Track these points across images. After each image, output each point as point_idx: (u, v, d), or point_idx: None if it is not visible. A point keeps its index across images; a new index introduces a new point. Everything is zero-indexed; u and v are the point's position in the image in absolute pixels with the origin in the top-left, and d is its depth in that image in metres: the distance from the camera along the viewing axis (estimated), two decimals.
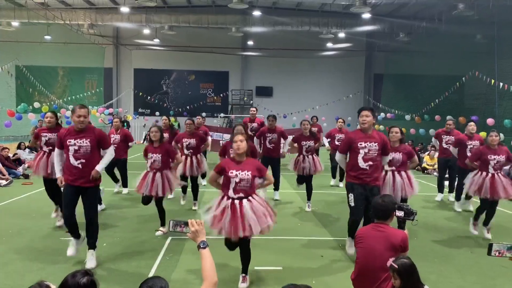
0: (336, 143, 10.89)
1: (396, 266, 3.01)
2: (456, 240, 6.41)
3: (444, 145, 9.11)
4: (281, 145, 8.93)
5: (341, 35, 23.11)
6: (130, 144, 9.25)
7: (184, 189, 8.23)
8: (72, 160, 4.87)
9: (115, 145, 8.74)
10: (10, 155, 12.44)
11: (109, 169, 8.82)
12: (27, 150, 14.05)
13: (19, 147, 14.05)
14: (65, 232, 6.33)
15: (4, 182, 10.40)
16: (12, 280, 4.52)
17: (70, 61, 25.86)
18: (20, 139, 16.55)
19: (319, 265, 5.23)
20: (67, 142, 4.87)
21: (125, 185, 9.38)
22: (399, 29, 21.77)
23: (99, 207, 7.33)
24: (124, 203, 8.52)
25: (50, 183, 6.59)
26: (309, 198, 8.28)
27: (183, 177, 7.64)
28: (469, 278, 4.80)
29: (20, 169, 11.82)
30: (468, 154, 7.68)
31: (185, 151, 7.78)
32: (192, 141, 7.86)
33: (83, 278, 2.26)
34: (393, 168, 5.99)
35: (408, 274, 2.99)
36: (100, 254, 5.42)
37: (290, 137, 11.84)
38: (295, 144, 8.27)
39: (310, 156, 8.11)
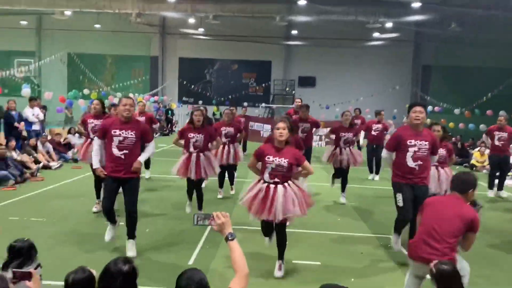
0: (373, 133, 10.69)
1: (434, 271, 2.80)
2: (507, 243, 6.10)
3: (496, 142, 8.69)
4: (313, 135, 8.86)
5: (389, 24, 22.36)
6: (154, 126, 9.57)
7: (221, 182, 8.24)
8: (115, 150, 4.91)
9: None
10: (61, 140, 13.01)
11: None
12: (76, 135, 14.64)
13: (69, 132, 14.66)
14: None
15: (55, 165, 10.90)
16: (60, 262, 4.73)
17: (118, 49, 26.60)
18: (70, 125, 17.26)
19: (358, 263, 5.14)
20: (112, 132, 4.92)
21: (147, 167, 9.65)
22: (451, 18, 20.78)
23: None
24: (164, 190, 8.70)
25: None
26: (343, 190, 8.20)
27: (221, 169, 7.70)
28: None
29: (70, 153, 12.34)
30: None
31: (223, 139, 7.85)
32: (231, 129, 7.98)
33: (125, 266, 2.33)
34: (436, 164, 5.85)
35: (445, 282, 2.78)
36: (141, 241, 5.56)
37: (324, 129, 11.70)
38: (332, 136, 8.14)
39: (347, 149, 7.95)
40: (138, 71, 27.49)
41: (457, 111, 18.81)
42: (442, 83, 23.36)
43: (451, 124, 18.89)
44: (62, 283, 2.60)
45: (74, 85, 24.16)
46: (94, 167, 5.12)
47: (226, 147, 7.85)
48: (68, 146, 13.01)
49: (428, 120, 19.38)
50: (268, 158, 4.44)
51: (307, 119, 8.65)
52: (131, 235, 5.17)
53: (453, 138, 16.78)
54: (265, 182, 4.47)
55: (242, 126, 13.14)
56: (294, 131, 5.48)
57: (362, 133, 11.13)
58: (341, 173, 8.15)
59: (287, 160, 4.42)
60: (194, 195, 6.61)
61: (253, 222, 5.37)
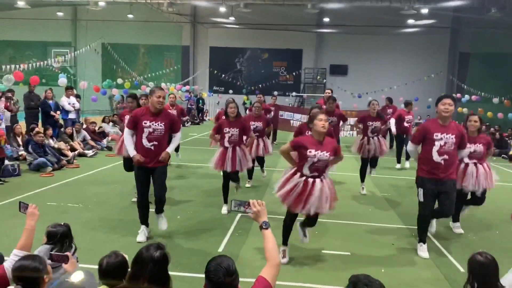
0: (405, 124, 10.50)
1: (470, 261, 2.75)
2: None
3: None
4: (340, 128, 8.74)
5: (424, 10, 21.65)
6: (183, 118, 9.72)
7: (250, 174, 8.24)
8: (144, 141, 4.97)
9: None
10: (96, 128, 13.37)
11: None
12: (110, 123, 15.00)
13: (103, 121, 15.04)
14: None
15: (90, 152, 11.23)
16: (96, 245, 4.89)
17: (150, 39, 27.00)
18: (104, 113, 17.71)
19: (389, 254, 5.07)
20: (143, 124, 4.95)
21: (177, 150, 9.72)
22: (491, 3, 19.92)
23: None
24: (193, 177, 8.82)
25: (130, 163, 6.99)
26: (362, 180, 8.13)
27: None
28: None
29: (104, 141, 12.67)
30: None
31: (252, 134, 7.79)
32: (259, 124, 7.89)
33: (157, 252, 2.38)
34: (475, 160, 5.61)
35: (480, 273, 2.70)
36: (172, 228, 5.67)
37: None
38: (360, 125, 8.02)
39: (375, 138, 7.82)
40: (170, 61, 27.84)
41: (495, 100, 18.10)
42: (480, 71, 22.51)
43: (489, 114, 18.22)
44: (96, 266, 2.70)
45: (108, 74, 24.74)
46: (131, 155, 5.07)
47: (255, 141, 7.77)
48: (103, 134, 13.36)
49: (465, 110, 18.81)
50: (310, 152, 4.33)
51: (333, 112, 8.53)
52: (159, 210, 5.25)
53: (491, 128, 16.20)
54: (303, 175, 4.40)
55: (273, 112, 13.17)
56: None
57: (393, 121, 10.87)
58: (368, 163, 8.05)
59: (329, 153, 4.37)
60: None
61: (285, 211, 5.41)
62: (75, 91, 13.48)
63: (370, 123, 7.84)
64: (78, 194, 7.29)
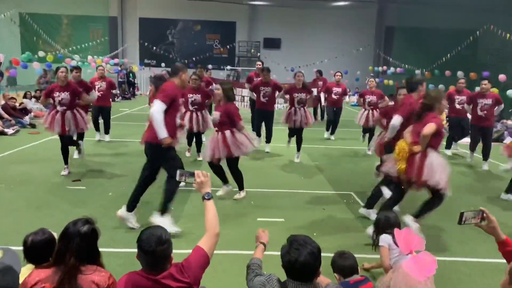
0: (333, 97, 10.84)
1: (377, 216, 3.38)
2: (462, 197, 6.43)
3: (457, 106, 8.99)
4: (276, 98, 8.99)
5: None
6: (113, 91, 9.62)
7: (189, 142, 8.24)
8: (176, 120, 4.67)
9: (101, 93, 9.25)
10: (17, 104, 12.45)
11: (95, 118, 9.42)
12: (33, 99, 14.05)
13: (25, 97, 14.04)
14: (72, 181, 6.44)
15: (11, 131, 10.47)
16: (20, 226, 4.62)
17: (74, 9, 25.19)
18: (26, 88, 16.49)
19: (321, 218, 5.30)
20: (179, 101, 4.68)
21: (107, 132, 9.84)
22: None
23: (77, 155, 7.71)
24: (127, 153, 8.57)
25: (64, 140, 6.77)
26: (298, 149, 8.42)
27: (190, 133, 7.68)
28: (469, 233, 4.82)
29: (27, 118, 11.86)
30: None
31: (190, 107, 7.66)
32: (198, 96, 7.68)
33: (84, 226, 2.29)
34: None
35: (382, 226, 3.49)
36: (105, 204, 5.51)
37: None
38: (287, 96, 8.22)
39: (302, 109, 8.08)
40: (97, 32, 26.31)
41: (418, 72, 19.20)
42: (404, 44, 23.65)
43: None
44: (21, 247, 2.55)
45: (28, 47, 22.92)
46: (164, 137, 4.39)
47: (194, 114, 7.60)
48: (25, 111, 12.48)
49: (391, 82, 19.70)
50: None
51: (268, 83, 8.64)
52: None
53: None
54: None
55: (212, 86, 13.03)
56: (230, 99, 5.67)
57: (322, 95, 11.29)
58: (295, 133, 8.27)
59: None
60: None
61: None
62: None
63: (296, 94, 8.06)
64: None
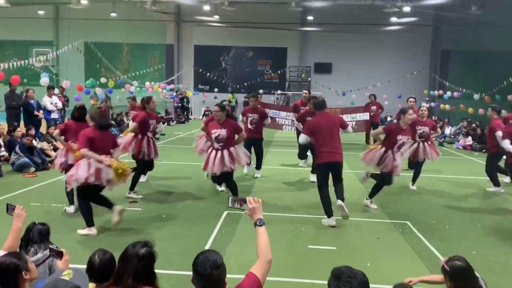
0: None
1: (448, 269, 2.68)
2: None
3: None
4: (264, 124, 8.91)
5: (407, 8, 21.90)
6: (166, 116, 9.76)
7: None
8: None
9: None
10: None
11: None
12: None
13: None
14: (129, 203, 6.69)
15: None
16: (80, 245, 4.84)
17: (134, 38, 26.73)
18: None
19: (375, 247, 5.13)
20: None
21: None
22: (471, 1, 20.25)
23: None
24: (180, 178, 8.79)
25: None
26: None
27: None
28: None
29: None
30: None
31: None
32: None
33: (142, 249, 2.38)
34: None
35: (461, 278, 2.66)
36: (159, 226, 5.66)
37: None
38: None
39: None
40: (154, 59, 27.62)
41: (476, 96, 18.41)
42: (461, 68, 22.84)
43: (470, 110, 18.51)
44: (82, 266, 2.67)
45: (91, 74, 24.41)
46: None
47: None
48: None
49: (447, 107, 18.96)
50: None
51: (257, 110, 8.62)
52: None
53: (473, 124, 16.48)
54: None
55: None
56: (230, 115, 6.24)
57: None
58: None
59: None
60: None
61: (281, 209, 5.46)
62: (56, 91, 13.29)
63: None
64: (62, 194, 7.18)
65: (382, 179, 6.74)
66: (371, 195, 6.90)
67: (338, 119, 6.43)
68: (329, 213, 5.88)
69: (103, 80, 19.53)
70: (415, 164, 8.42)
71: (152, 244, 2.44)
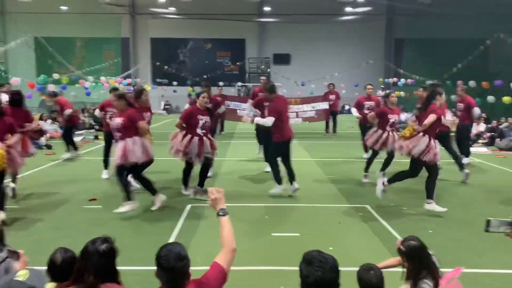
0: (366, 112, 9.59)
1: (404, 249, 2.80)
2: (473, 205, 6.35)
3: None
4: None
5: None
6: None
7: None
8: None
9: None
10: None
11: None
12: (48, 121, 14.31)
13: (41, 118, 14.30)
14: (88, 200, 6.53)
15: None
16: (40, 247, 4.68)
17: (87, 31, 25.84)
18: (41, 111, 16.83)
19: (337, 232, 5.27)
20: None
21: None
22: None
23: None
24: None
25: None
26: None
27: None
28: (488, 245, 4.75)
29: (43, 140, 12.07)
30: None
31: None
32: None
33: (103, 245, 2.33)
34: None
35: (417, 257, 2.77)
36: (120, 219, 5.57)
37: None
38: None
39: None
40: (109, 54, 26.85)
41: (429, 82, 19.12)
42: (414, 56, 23.65)
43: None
44: (40, 267, 2.59)
45: (43, 70, 23.46)
46: None
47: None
48: (40, 132, 12.69)
49: (402, 93, 19.61)
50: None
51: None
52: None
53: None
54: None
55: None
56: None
57: (354, 110, 10.18)
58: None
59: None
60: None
61: (244, 199, 5.50)
62: (10, 87, 12.66)
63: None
64: (18, 195, 6.92)
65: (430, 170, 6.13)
66: (391, 181, 6.29)
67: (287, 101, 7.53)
68: (279, 181, 6.81)
69: (56, 76, 18.83)
70: (374, 152, 8.41)
71: (112, 239, 2.39)
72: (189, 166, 6.57)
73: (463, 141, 9.09)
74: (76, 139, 13.35)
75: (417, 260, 2.76)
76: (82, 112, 17.20)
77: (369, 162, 7.93)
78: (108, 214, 5.92)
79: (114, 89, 8.26)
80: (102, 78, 20.92)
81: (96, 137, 14.02)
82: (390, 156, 7.45)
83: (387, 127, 7.35)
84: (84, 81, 19.29)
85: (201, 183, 6.40)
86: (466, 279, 3.95)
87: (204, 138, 6.45)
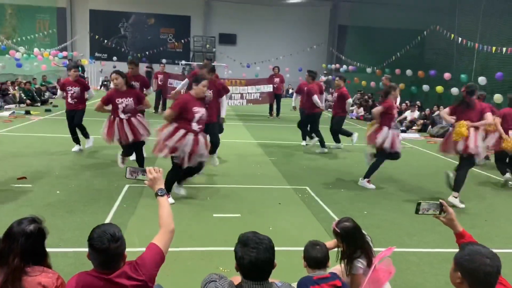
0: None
1: (338, 231, 2.84)
2: (406, 189, 6.70)
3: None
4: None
5: None
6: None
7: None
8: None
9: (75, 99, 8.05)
10: None
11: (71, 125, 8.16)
12: None
13: None
14: (17, 179, 6.12)
15: None
16: None
17: None
18: None
19: (277, 212, 5.34)
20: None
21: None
22: None
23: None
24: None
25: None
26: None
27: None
28: (419, 226, 5.03)
29: None
30: None
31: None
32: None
33: (30, 226, 2.17)
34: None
35: (350, 238, 2.83)
36: (54, 201, 5.28)
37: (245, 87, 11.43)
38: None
39: None
40: (44, 24, 25.14)
41: (369, 70, 19.79)
42: (356, 43, 24.32)
43: (363, 82, 19.88)
44: None
45: None
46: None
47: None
48: None
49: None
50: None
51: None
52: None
53: (366, 96, 17.75)
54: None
55: (161, 81, 12.94)
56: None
57: (295, 95, 10.30)
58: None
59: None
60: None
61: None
62: None
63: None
64: None
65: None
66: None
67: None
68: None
69: None
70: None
71: (41, 219, 2.24)
72: (176, 169, 5.43)
73: None
74: (4, 113, 12.51)
75: (352, 240, 2.83)
76: (12, 84, 16.05)
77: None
78: (39, 193, 5.58)
79: (75, 67, 8.09)
80: (35, 50, 19.59)
81: (27, 112, 13.16)
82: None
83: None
84: (14, 52, 17.95)
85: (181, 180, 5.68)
86: (396, 257, 4.16)
87: (200, 136, 5.37)
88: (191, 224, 4.79)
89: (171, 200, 5.25)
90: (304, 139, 9.88)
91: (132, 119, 6.18)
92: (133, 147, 6.34)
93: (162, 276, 2.40)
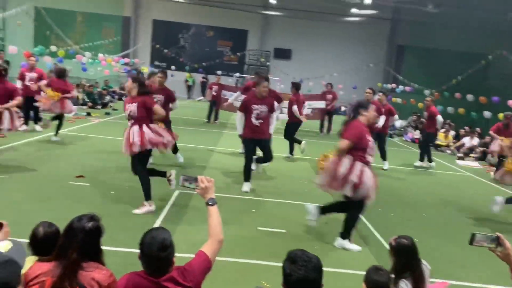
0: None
1: (394, 244, 2.84)
2: (460, 219, 6.37)
3: None
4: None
5: (368, 0, 22.30)
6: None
7: None
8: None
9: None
10: None
11: None
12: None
13: None
14: (75, 176, 6.44)
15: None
16: (20, 218, 4.60)
17: (89, 6, 25.47)
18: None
19: (323, 232, 5.25)
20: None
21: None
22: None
23: None
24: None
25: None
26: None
27: None
28: (472, 258, 4.76)
29: None
30: None
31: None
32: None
33: (89, 223, 2.28)
34: None
35: (404, 255, 2.81)
36: (108, 201, 5.50)
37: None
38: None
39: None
40: (109, 31, 26.50)
41: (427, 92, 19.17)
42: (415, 63, 23.67)
43: (420, 105, 19.22)
44: (23, 240, 2.53)
45: (41, 41, 23.10)
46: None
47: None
48: None
49: (399, 100, 19.57)
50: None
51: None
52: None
53: (421, 119, 17.18)
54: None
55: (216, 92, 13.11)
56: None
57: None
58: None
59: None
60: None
61: (233, 190, 5.44)
62: (3, 56, 12.47)
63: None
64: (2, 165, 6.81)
65: None
66: None
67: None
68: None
69: (53, 48, 18.53)
70: None
71: (99, 217, 2.34)
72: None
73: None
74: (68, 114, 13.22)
75: (403, 258, 2.79)
76: (77, 87, 17.00)
77: None
78: (94, 192, 5.84)
79: (153, 73, 7.76)
80: (100, 55, 20.67)
81: (88, 114, 13.86)
82: None
83: None
84: (81, 56, 19.03)
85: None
86: None
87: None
88: (236, 234, 4.81)
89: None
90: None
91: (134, 127, 5.32)
92: (135, 158, 5.57)
93: (205, 285, 2.42)
